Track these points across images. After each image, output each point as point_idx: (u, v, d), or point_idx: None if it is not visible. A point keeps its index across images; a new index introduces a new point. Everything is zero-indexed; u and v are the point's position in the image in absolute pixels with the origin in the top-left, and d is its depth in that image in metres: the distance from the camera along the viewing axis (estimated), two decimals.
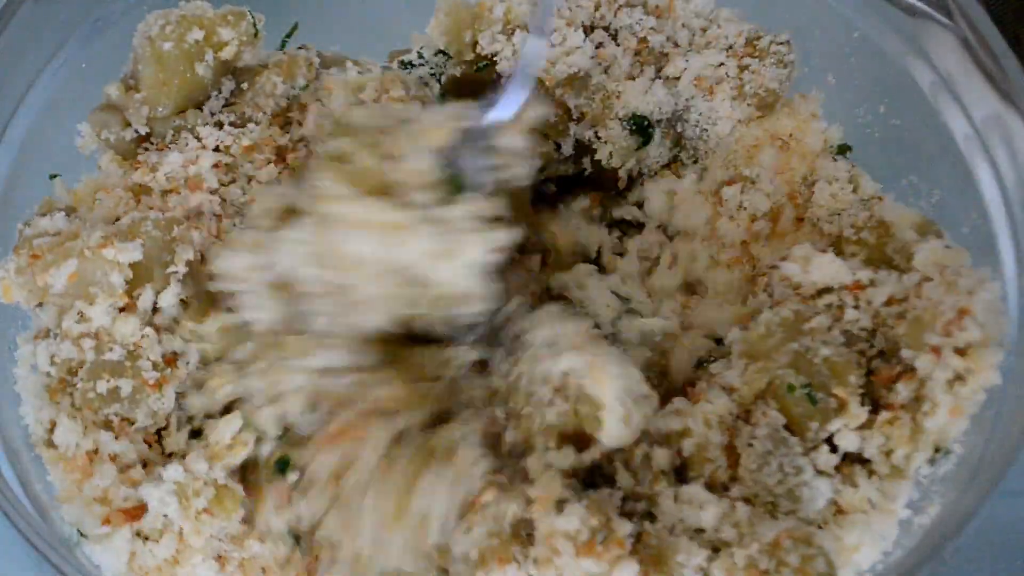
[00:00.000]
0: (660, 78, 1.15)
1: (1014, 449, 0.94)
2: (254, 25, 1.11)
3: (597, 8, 1.15)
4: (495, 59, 1.14)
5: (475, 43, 1.15)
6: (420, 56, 1.17)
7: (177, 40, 1.07)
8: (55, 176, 1.13)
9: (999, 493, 0.92)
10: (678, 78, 1.15)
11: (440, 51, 1.17)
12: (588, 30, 1.15)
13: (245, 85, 1.12)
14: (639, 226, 1.20)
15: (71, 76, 1.16)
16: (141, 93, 1.09)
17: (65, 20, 1.15)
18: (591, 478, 0.99)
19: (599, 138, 1.14)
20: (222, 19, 1.10)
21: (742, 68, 1.16)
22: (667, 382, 1.07)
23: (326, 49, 1.22)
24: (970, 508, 0.92)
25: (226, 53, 1.09)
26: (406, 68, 1.18)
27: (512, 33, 1.13)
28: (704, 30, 1.19)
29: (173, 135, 1.10)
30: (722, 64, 1.15)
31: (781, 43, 1.17)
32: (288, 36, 1.21)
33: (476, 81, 1.18)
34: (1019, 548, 1.17)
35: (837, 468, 0.96)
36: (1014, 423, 0.95)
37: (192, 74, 1.09)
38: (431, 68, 1.17)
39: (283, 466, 1.00)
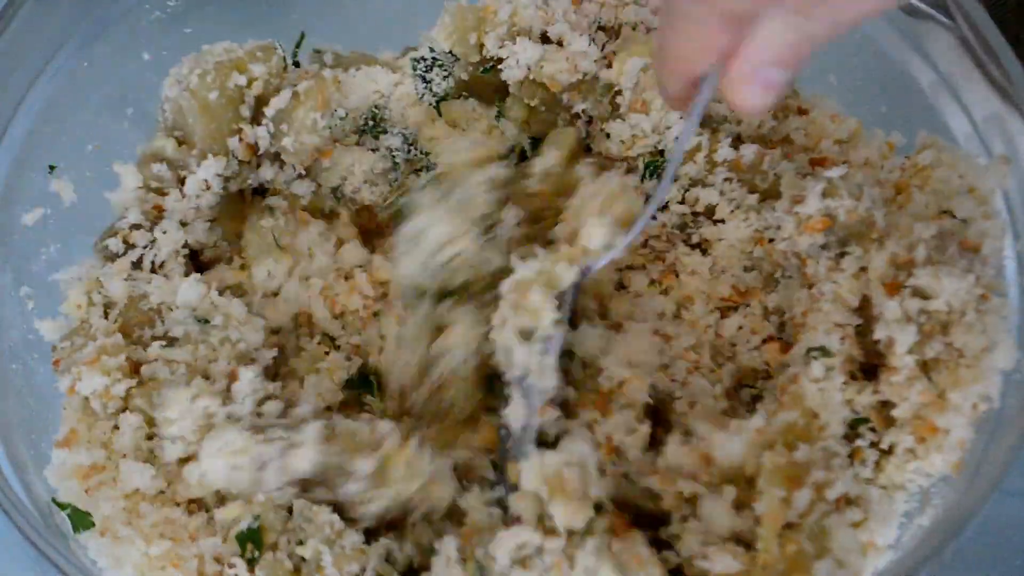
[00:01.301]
0: None
1: (1014, 449, 0.93)
2: (284, 59, 1.12)
3: (603, 6, 1.15)
4: (501, 62, 1.14)
5: (481, 45, 1.15)
6: (431, 50, 1.17)
7: (221, 88, 1.08)
8: (54, 167, 1.14)
9: (999, 493, 0.92)
10: None
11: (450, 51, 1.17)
12: (592, 32, 1.15)
13: (284, 127, 1.10)
14: None
15: (71, 76, 1.16)
16: (197, 148, 1.09)
17: (65, 20, 1.15)
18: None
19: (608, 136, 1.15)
20: (251, 56, 1.10)
21: None
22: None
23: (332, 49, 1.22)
24: (970, 508, 0.92)
25: (256, 88, 1.10)
26: (418, 64, 1.18)
27: (516, 37, 1.13)
28: None
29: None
30: None
31: None
32: (297, 46, 1.21)
33: (485, 84, 1.18)
34: (1019, 548, 1.17)
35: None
36: (1014, 423, 0.95)
37: (237, 118, 1.09)
38: (443, 65, 1.17)
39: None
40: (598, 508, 0.94)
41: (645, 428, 0.99)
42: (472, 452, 1.05)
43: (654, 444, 1.01)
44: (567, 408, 1.01)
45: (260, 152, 1.12)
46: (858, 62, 1.20)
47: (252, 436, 0.96)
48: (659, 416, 1.03)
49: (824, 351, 0.97)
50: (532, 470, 0.95)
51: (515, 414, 1.00)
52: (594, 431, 0.99)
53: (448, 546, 0.97)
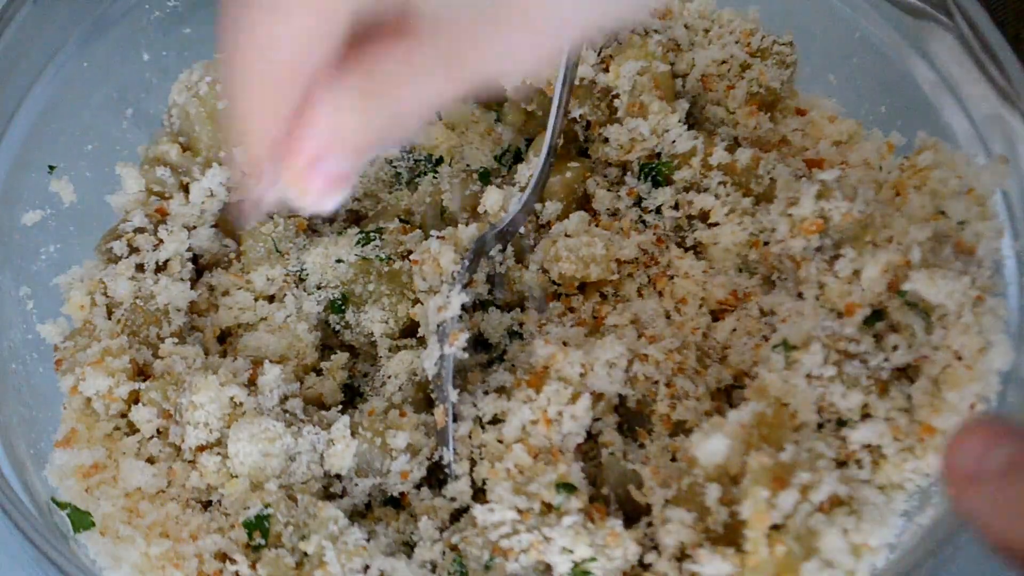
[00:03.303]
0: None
1: None
2: None
3: None
4: None
5: None
6: None
7: None
8: (53, 168, 1.14)
9: None
10: (686, 75, 1.16)
11: None
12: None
13: None
14: None
15: (71, 76, 1.16)
16: (201, 155, 1.10)
17: (65, 20, 1.16)
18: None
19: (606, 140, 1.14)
20: None
21: (744, 67, 1.15)
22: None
23: None
24: None
25: None
26: None
27: None
28: (706, 31, 1.19)
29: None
30: (725, 62, 1.15)
31: (784, 44, 1.17)
32: None
33: None
34: None
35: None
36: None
37: None
38: None
39: None
40: (571, 488, 0.94)
41: (585, 402, 0.99)
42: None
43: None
44: (506, 393, 1.02)
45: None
46: (858, 62, 1.20)
47: (286, 428, 0.97)
48: (640, 418, 1.04)
49: (785, 344, 0.98)
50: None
51: (429, 356, 1.03)
52: (530, 408, 0.99)
53: (427, 528, 0.98)
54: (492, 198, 1.10)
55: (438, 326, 1.03)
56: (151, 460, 1.00)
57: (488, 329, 1.08)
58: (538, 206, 1.12)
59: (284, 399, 1.02)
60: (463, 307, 1.04)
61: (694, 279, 1.09)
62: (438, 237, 1.09)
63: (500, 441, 0.99)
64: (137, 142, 1.17)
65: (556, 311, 1.10)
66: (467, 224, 1.11)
